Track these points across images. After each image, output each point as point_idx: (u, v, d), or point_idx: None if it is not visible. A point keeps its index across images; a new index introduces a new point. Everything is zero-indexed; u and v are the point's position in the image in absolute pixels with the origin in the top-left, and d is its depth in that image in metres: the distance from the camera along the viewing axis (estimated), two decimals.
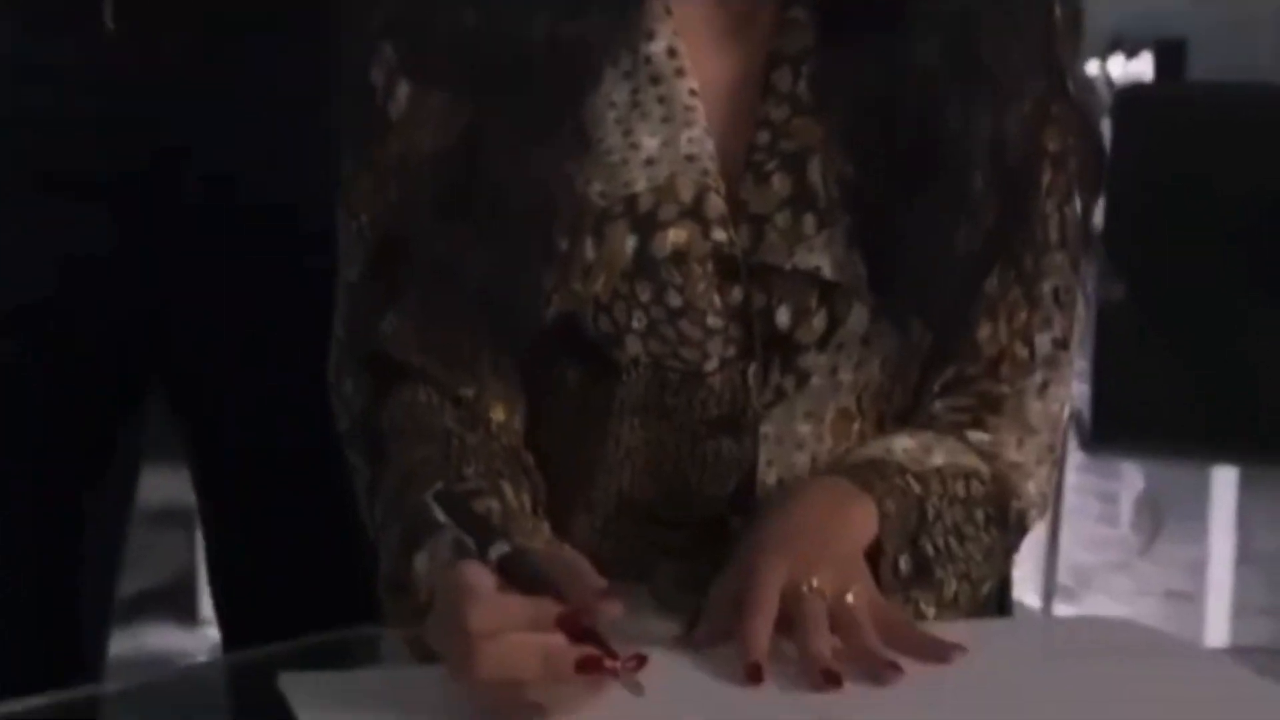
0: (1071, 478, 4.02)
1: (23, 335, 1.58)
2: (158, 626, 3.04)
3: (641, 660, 1.00)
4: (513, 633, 0.98)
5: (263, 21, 1.54)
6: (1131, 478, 4.32)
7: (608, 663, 0.98)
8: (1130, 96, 3.15)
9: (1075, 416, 3.13)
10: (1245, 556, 3.58)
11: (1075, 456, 3.79)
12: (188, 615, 3.21)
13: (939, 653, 1.09)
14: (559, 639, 0.98)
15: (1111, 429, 2.98)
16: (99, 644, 1.69)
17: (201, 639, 3.10)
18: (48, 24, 1.56)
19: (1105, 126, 2.79)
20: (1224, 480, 3.50)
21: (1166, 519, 3.97)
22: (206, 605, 3.16)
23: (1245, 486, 3.50)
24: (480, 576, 1.00)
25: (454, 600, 0.99)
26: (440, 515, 1.05)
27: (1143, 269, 2.73)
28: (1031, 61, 1.24)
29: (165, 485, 1.74)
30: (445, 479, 1.15)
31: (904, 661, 1.07)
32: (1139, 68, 4.38)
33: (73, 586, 1.66)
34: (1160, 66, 4.86)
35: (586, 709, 0.99)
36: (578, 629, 0.98)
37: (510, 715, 0.99)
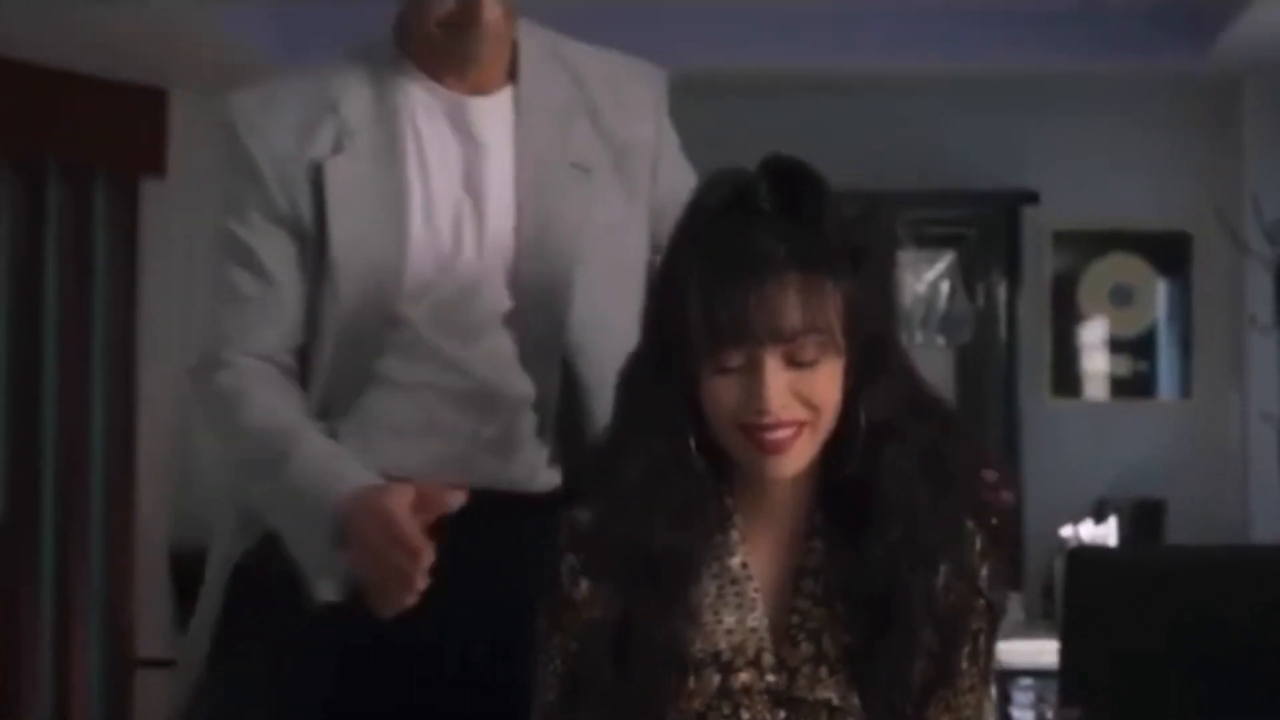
0: None
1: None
2: None
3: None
4: None
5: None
6: None
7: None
8: (1078, 558, 3.66)
9: None
10: None
11: None
12: None
13: None
14: None
15: None
16: None
17: None
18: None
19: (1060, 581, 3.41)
20: None
21: None
22: None
23: None
24: None
25: None
26: None
27: (1098, 695, 3.27)
28: (952, 539, 1.93)
29: None
30: None
31: None
32: (1106, 530, 5.10)
33: None
34: (1141, 526, 5.54)
35: None
36: None
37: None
